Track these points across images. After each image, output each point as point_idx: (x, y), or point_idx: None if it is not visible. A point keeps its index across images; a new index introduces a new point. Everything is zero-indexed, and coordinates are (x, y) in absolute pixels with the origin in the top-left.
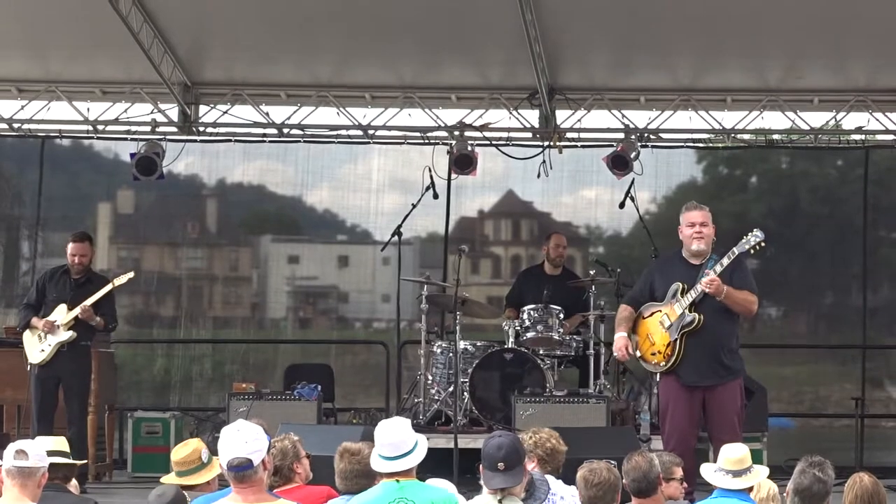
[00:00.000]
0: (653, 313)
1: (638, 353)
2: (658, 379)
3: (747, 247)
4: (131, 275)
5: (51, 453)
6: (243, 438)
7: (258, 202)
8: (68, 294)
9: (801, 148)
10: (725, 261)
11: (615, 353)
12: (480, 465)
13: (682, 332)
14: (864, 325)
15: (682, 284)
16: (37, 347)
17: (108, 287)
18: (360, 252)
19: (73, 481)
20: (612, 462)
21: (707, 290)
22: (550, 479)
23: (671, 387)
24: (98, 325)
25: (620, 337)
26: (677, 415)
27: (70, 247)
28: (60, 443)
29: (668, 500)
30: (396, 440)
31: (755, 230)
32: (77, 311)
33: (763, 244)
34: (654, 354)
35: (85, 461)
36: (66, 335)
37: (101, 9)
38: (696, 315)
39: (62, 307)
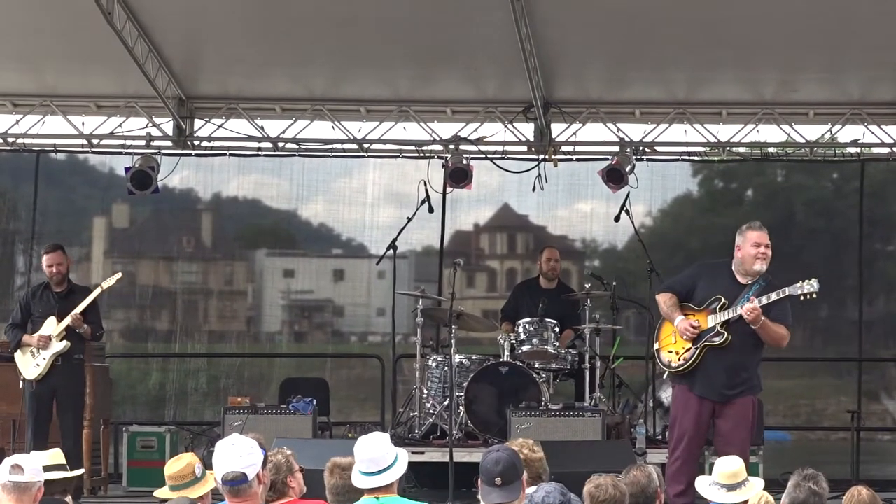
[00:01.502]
0: (685, 314)
1: (656, 346)
2: (665, 377)
3: (799, 292)
4: (119, 275)
5: (47, 468)
6: (238, 452)
7: (253, 216)
8: (54, 307)
9: (797, 161)
10: (774, 296)
11: (684, 335)
12: (479, 480)
13: (705, 343)
14: (860, 338)
15: (723, 300)
16: (31, 363)
17: (98, 291)
18: (356, 266)
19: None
20: (619, 476)
21: (746, 318)
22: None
23: (683, 395)
24: (85, 334)
25: (681, 320)
26: (685, 422)
27: (45, 259)
28: (56, 456)
29: None
30: (376, 455)
31: (813, 280)
32: (68, 319)
33: (815, 296)
34: (670, 352)
35: (82, 471)
36: (59, 346)
37: (96, 23)
38: (727, 335)
39: (51, 320)
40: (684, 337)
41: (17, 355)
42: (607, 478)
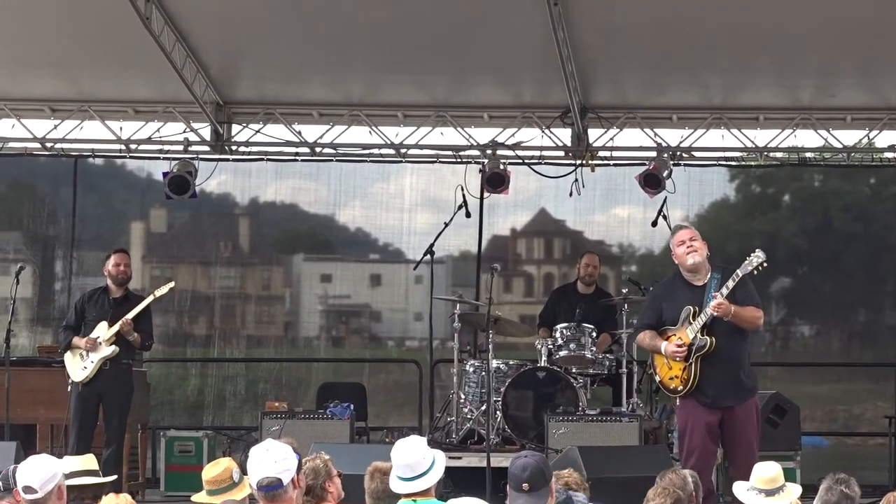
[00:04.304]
0: (668, 338)
1: (657, 378)
2: (678, 403)
3: (750, 268)
4: (172, 284)
5: (80, 473)
6: (272, 458)
7: (290, 221)
8: (108, 312)
9: (834, 166)
10: (731, 283)
11: (677, 358)
12: (507, 486)
13: (695, 355)
14: None
15: (692, 308)
16: (79, 366)
17: (150, 299)
18: (393, 271)
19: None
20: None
21: (716, 314)
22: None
23: (690, 407)
24: (135, 342)
25: (666, 345)
26: (697, 434)
27: (112, 258)
28: (89, 461)
29: None
30: (412, 461)
31: (757, 251)
32: (118, 325)
33: (765, 265)
34: (672, 379)
35: (115, 476)
36: (108, 350)
37: (134, 28)
38: (709, 339)
39: (103, 324)
40: (677, 359)
41: (67, 357)
42: (665, 480)
